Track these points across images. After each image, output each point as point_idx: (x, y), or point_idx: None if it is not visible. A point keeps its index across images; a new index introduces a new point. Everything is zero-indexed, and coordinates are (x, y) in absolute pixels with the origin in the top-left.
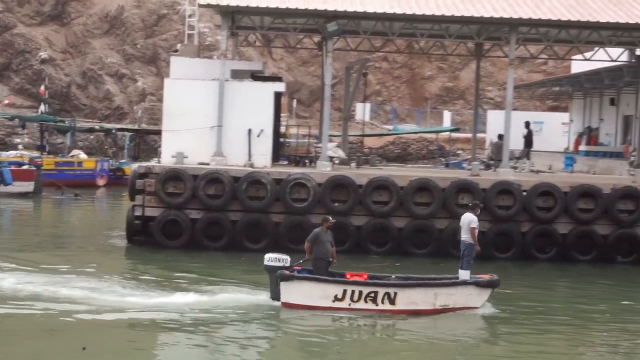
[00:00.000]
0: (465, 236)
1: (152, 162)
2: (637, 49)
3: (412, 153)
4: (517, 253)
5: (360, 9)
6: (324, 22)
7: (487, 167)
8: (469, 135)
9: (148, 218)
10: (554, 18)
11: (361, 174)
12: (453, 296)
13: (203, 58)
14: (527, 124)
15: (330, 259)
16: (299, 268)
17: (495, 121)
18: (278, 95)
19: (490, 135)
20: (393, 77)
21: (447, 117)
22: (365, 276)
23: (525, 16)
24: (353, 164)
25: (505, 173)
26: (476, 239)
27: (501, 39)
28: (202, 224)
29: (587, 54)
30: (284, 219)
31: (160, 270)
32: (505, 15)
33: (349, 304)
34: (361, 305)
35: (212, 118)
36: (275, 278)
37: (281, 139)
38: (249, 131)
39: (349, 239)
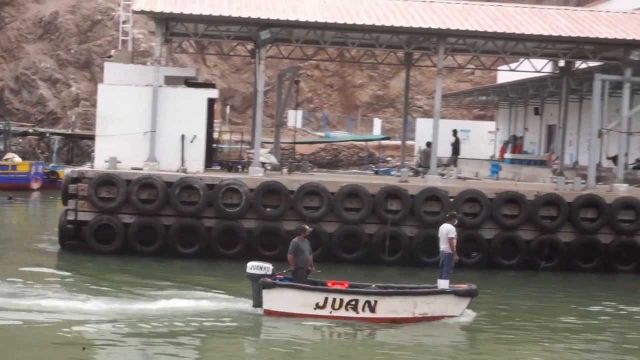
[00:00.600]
0: (443, 246)
1: (85, 167)
2: (561, 61)
3: (342, 160)
4: None
5: (292, 18)
6: (257, 30)
7: (416, 173)
8: (399, 142)
9: (81, 222)
10: (480, 29)
11: (293, 180)
12: (432, 305)
13: (137, 64)
14: (455, 132)
15: (310, 268)
16: (282, 276)
17: (423, 129)
18: (211, 102)
19: (418, 142)
20: (325, 84)
21: (377, 125)
22: (346, 284)
23: (453, 27)
24: (285, 170)
25: (433, 180)
26: (454, 249)
27: (430, 49)
28: (135, 229)
29: (513, 65)
30: (217, 224)
31: (102, 275)
32: (434, 26)
33: (330, 312)
34: (342, 313)
35: (146, 123)
36: (258, 286)
37: (214, 145)
38: (182, 137)
39: (280, 244)
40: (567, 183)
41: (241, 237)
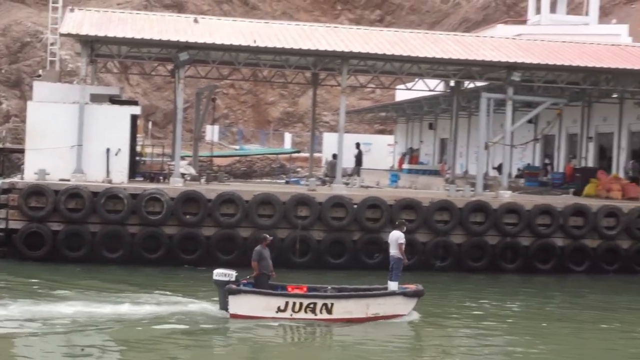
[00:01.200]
0: (393, 251)
1: (16, 179)
2: (451, 81)
3: (256, 170)
4: (349, 260)
5: (209, 41)
6: (176, 52)
7: (323, 183)
8: (307, 154)
9: (11, 230)
10: (380, 52)
11: (210, 189)
12: (383, 305)
13: (64, 83)
14: (358, 145)
15: (270, 273)
16: (246, 281)
17: (330, 142)
18: (134, 118)
19: (325, 154)
20: (239, 102)
21: (287, 139)
22: (305, 289)
23: (355, 50)
24: (203, 180)
25: (338, 188)
26: (404, 254)
27: (334, 70)
28: (63, 236)
29: (409, 84)
30: (140, 230)
31: (33, 279)
32: (338, 49)
33: (291, 315)
34: (301, 315)
35: (73, 138)
36: (224, 291)
37: (137, 158)
38: (107, 150)
39: (199, 248)
40: (458, 190)
41: (163, 242)
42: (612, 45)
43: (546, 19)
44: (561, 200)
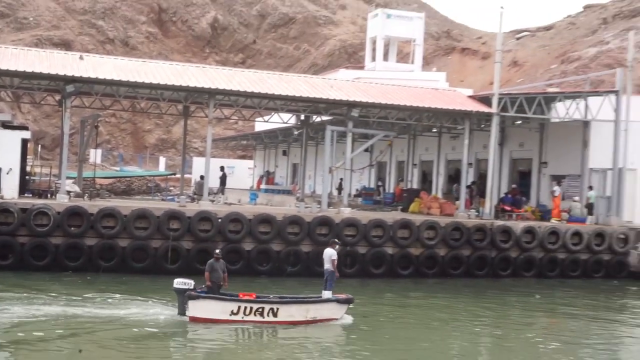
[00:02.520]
0: (327, 265)
1: None
2: (302, 115)
3: (134, 189)
4: None
5: (93, 76)
6: (63, 85)
7: (192, 200)
8: (179, 175)
9: None
10: (242, 90)
11: (93, 205)
12: (320, 310)
13: None
14: (222, 168)
15: (221, 283)
16: (201, 290)
17: (198, 165)
18: (25, 141)
19: (194, 175)
20: (120, 129)
21: (162, 162)
22: (254, 295)
23: (221, 87)
24: (86, 197)
25: (205, 205)
26: (336, 268)
27: (203, 103)
28: None
29: (267, 117)
30: (29, 241)
31: None
32: (206, 86)
33: (242, 317)
34: (251, 317)
35: None
36: (184, 298)
37: (27, 176)
38: (0, 169)
39: (81, 257)
40: (306, 207)
41: (50, 251)
42: (432, 89)
43: (380, 65)
44: (391, 216)
